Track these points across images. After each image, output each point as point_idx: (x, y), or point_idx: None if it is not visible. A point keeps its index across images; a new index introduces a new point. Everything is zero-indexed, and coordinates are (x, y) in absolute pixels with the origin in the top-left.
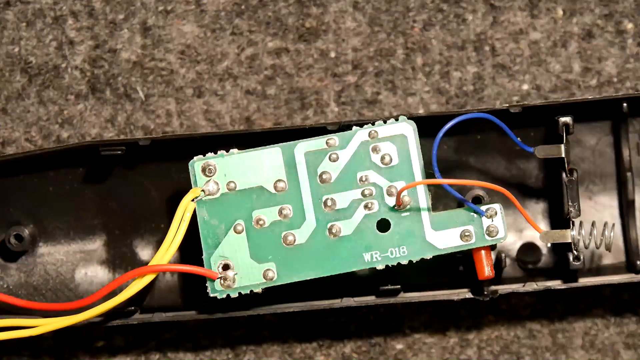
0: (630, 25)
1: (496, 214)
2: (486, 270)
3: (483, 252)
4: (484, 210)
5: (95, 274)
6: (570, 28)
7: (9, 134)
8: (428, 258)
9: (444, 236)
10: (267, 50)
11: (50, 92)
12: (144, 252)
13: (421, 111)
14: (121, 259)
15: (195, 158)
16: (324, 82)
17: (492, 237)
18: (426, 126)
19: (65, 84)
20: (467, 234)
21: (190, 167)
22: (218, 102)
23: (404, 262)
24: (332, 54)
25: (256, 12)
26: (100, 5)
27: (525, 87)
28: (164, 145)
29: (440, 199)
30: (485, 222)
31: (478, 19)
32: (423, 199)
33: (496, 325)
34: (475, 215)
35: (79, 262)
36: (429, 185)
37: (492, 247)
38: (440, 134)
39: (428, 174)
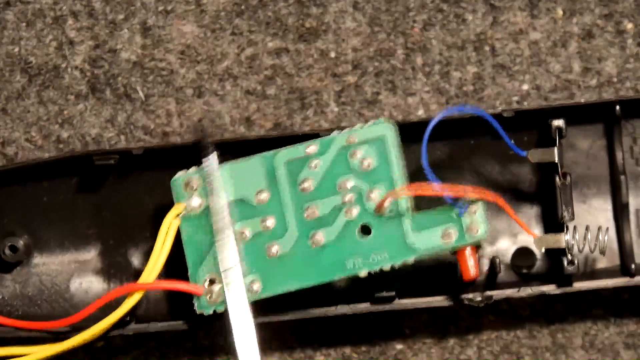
0: (630, 25)
1: (476, 212)
2: (471, 270)
3: (466, 252)
4: (465, 207)
5: (90, 283)
6: (570, 28)
7: (9, 134)
8: (410, 262)
9: (425, 237)
10: (267, 50)
11: (50, 92)
12: (138, 261)
13: (421, 111)
14: (116, 269)
15: (177, 174)
16: (324, 82)
17: (472, 235)
18: (417, 131)
19: (65, 84)
20: (447, 233)
21: (172, 184)
22: (218, 102)
23: (386, 267)
24: (332, 54)
25: (256, 12)
26: (100, 5)
27: (525, 87)
28: (158, 154)
29: (425, 199)
30: (466, 220)
31: (478, 19)
32: (403, 201)
33: (496, 325)
34: (455, 214)
35: (74, 272)
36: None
37: (478, 247)
38: (430, 125)
39: (412, 172)
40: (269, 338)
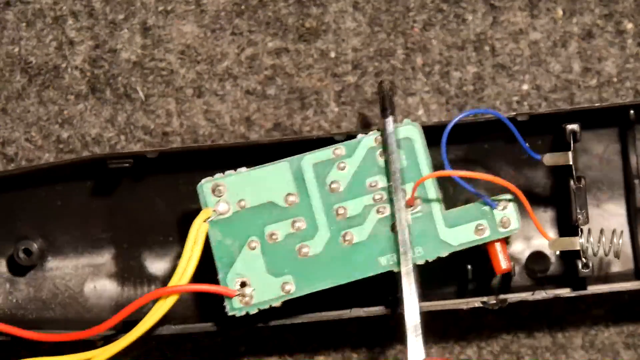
0: (630, 25)
1: (508, 205)
2: (503, 263)
3: (498, 245)
4: (496, 202)
5: (104, 287)
6: (570, 28)
7: (9, 134)
8: (444, 256)
9: (458, 232)
10: (267, 50)
11: (50, 92)
12: (152, 265)
13: (421, 111)
14: (130, 272)
15: (203, 180)
16: (324, 82)
17: (505, 228)
18: (431, 134)
19: (65, 84)
20: (480, 227)
21: (199, 189)
22: (218, 102)
23: (421, 262)
24: (332, 54)
25: (256, 12)
26: (100, 5)
27: (525, 87)
28: (172, 157)
29: (451, 201)
30: (498, 214)
31: (478, 19)
32: (434, 197)
33: (496, 325)
34: (487, 208)
35: (88, 276)
36: (439, 184)
37: (507, 241)
38: (450, 126)
39: None
40: (269, 338)
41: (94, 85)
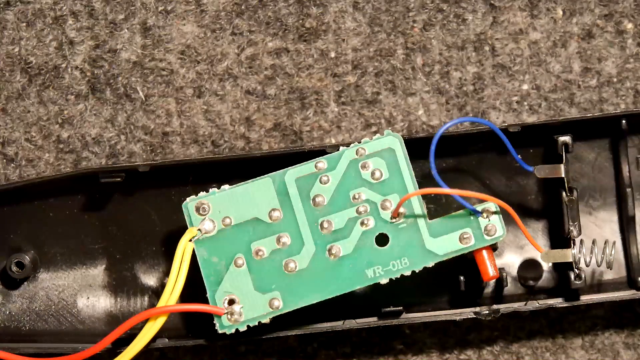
0: (630, 25)
1: (492, 213)
2: (490, 270)
3: (484, 252)
4: (480, 210)
5: (97, 298)
6: (570, 28)
7: (9, 134)
8: (430, 266)
9: (443, 242)
10: (267, 50)
11: (50, 92)
12: (145, 276)
13: (421, 111)
14: (123, 283)
15: (188, 199)
16: (324, 82)
17: (490, 236)
18: (426, 144)
19: (65, 84)
20: (465, 236)
21: (184, 208)
22: (218, 102)
23: (407, 273)
24: (332, 54)
25: (256, 12)
26: (100, 5)
27: (525, 87)
28: (164, 170)
29: (443, 208)
30: (483, 222)
31: (478, 19)
32: (418, 208)
33: (496, 325)
34: (471, 217)
35: (81, 287)
36: (425, 195)
37: (494, 248)
38: (440, 131)
39: (419, 184)
40: (269, 338)
41: (94, 85)
